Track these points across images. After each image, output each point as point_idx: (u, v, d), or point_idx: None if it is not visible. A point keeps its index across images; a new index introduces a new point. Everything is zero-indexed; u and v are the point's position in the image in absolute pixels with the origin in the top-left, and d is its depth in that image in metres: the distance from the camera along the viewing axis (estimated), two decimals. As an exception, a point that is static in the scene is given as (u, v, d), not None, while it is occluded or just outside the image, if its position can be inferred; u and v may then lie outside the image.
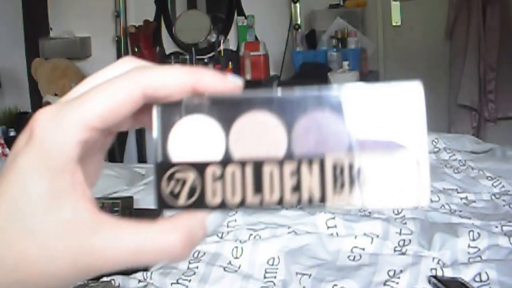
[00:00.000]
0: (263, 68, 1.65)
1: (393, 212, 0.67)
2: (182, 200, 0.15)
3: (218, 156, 0.15)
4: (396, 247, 0.58)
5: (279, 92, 0.15)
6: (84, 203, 0.14)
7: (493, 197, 0.73)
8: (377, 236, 0.59)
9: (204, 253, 0.57)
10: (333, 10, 1.65)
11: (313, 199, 0.14)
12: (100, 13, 1.85)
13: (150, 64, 0.15)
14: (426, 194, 0.14)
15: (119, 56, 1.85)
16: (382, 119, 0.14)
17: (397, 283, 0.50)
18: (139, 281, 0.53)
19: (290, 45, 1.68)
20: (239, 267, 0.55)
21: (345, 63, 1.47)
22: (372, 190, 0.14)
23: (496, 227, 0.61)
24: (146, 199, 0.74)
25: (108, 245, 0.14)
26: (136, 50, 1.69)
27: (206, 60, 1.76)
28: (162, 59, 1.75)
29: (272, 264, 0.55)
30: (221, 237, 0.61)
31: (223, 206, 0.15)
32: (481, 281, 0.51)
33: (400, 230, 0.60)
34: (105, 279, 0.53)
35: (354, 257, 0.56)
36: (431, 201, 0.72)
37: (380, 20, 1.70)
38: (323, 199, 0.14)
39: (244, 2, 1.76)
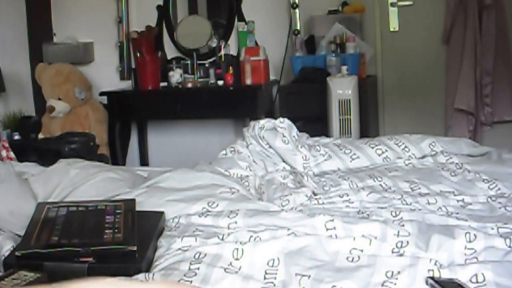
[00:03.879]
0: (263, 72, 1.66)
1: (391, 214, 0.68)
2: None
3: None
4: (394, 248, 0.58)
5: None
6: None
7: (489, 199, 0.74)
8: (375, 237, 0.60)
9: (205, 255, 0.58)
10: (332, 16, 1.66)
11: None
12: (102, 19, 1.87)
13: None
14: None
15: (121, 61, 1.88)
16: None
17: (395, 284, 0.51)
18: (141, 282, 0.54)
19: (289, 50, 1.69)
20: (240, 268, 0.56)
21: (344, 68, 1.49)
22: None
23: (492, 229, 0.62)
24: (148, 202, 0.75)
25: None
26: (138, 55, 1.71)
27: (207, 65, 1.78)
28: (164, 64, 1.77)
29: (272, 265, 0.56)
30: (222, 239, 0.62)
31: None
32: (477, 282, 0.51)
33: (398, 232, 0.61)
34: (108, 280, 0.54)
35: (353, 258, 0.57)
36: (428, 203, 0.73)
37: (378, 26, 1.73)
38: None
39: (244, 8, 1.78)
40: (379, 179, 0.81)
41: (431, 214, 0.69)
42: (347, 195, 0.75)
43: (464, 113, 1.61)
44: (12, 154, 1.18)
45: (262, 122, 0.96)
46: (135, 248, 0.59)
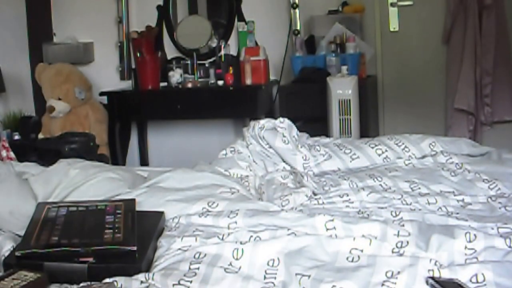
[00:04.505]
0: (263, 72, 1.66)
1: (391, 214, 0.68)
2: None
3: None
4: (394, 248, 0.58)
5: None
6: None
7: (489, 199, 0.74)
8: (375, 237, 0.60)
9: (205, 255, 0.58)
10: (332, 16, 1.67)
11: None
12: (102, 19, 1.87)
13: None
14: None
15: (121, 61, 1.88)
16: None
17: (395, 284, 0.51)
18: (141, 282, 0.54)
19: (289, 50, 1.69)
20: (240, 268, 0.56)
21: (344, 68, 1.49)
22: None
23: (492, 229, 0.62)
24: (148, 202, 0.75)
25: None
26: (138, 55, 1.71)
27: (207, 65, 1.78)
28: (164, 64, 1.78)
29: (272, 265, 0.56)
30: (222, 239, 0.62)
31: None
32: (477, 282, 0.51)
33: (398, 232, 0.61)
34: (107, 280, 0.54)
35: (353, 258, 0.57)
36: (428, 203, 0.73)
37: (378, 26, 1.73)
38: None
39: (244, 8, 1.78)
40: (379, 179, 0.82)
41: (431, 214, 0.69)
42: (347, 195, 0.76)
43: (464, 113, 1.61)
44: (12, 154, 1.18)
45: (262, 122, 0.96)
46: (135, 248, 0.59)
